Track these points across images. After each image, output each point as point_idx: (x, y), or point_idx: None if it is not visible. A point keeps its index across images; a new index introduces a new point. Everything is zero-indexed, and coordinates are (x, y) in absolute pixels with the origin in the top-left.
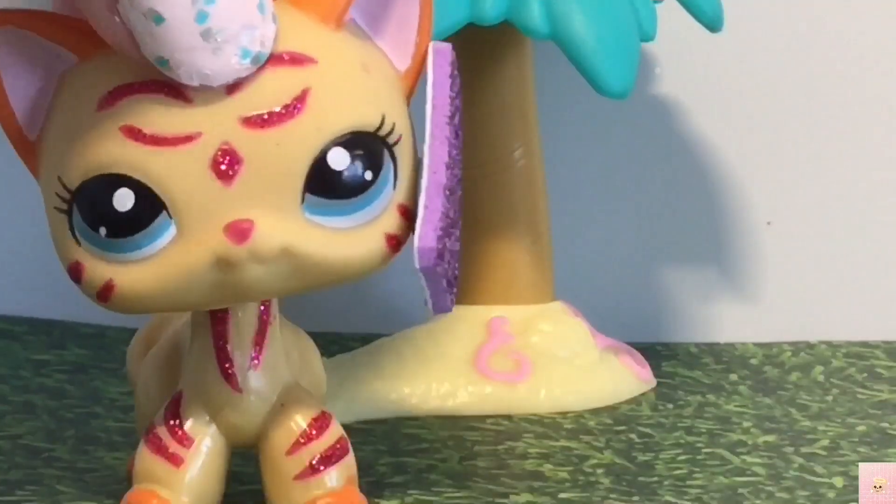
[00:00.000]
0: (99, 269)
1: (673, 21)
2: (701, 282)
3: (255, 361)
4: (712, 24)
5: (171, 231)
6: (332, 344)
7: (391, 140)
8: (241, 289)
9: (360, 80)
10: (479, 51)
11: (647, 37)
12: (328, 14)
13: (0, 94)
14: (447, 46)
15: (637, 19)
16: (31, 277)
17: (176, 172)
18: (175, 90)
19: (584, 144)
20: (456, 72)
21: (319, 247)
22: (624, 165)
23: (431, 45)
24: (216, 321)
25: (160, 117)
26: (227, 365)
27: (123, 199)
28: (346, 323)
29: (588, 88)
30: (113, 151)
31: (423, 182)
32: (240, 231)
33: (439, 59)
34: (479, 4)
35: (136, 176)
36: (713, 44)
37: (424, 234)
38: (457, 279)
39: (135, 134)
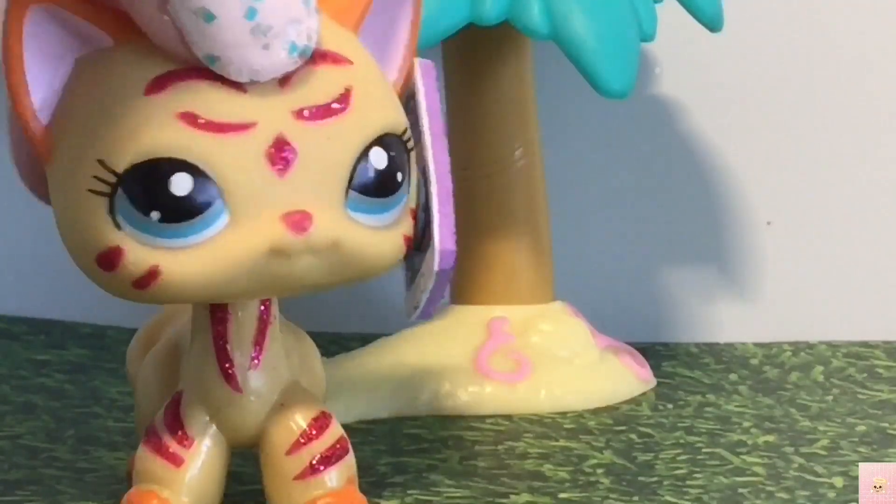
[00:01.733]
0: (143, 254)
1: (673, 21)
2: (701, 282)
3: (255, 361)
4: (712, 24)
5: (224, 218)
6: (332, 344)
7: (410, 146)
8: (289, 279)
9: (386, 85)
10: (479, 51)
11: (647, 37)
12: (347, 18)
13: (19, 74)
14: (431, 63)
15: (637, 19)
16: (31, 277)
17: (232, 160)
18: (227, 79)
19: (584, 144)
20: (437, 87)
21: (361, 243)
22: (624, 165)
23: (417, 60)
24: (216, 321)
25: (216, 105)
26: (227, 365)
27: (181, 184)
28: (346, 323)
29: (588, 88)
30: (168, 136)
31: (434, 188)
32: (298, 221)
33: (427, 76)
34: (479, 4)
35: (195, 161)
36: (713, 44)
37: (445, 238)
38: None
39: (191, 119)
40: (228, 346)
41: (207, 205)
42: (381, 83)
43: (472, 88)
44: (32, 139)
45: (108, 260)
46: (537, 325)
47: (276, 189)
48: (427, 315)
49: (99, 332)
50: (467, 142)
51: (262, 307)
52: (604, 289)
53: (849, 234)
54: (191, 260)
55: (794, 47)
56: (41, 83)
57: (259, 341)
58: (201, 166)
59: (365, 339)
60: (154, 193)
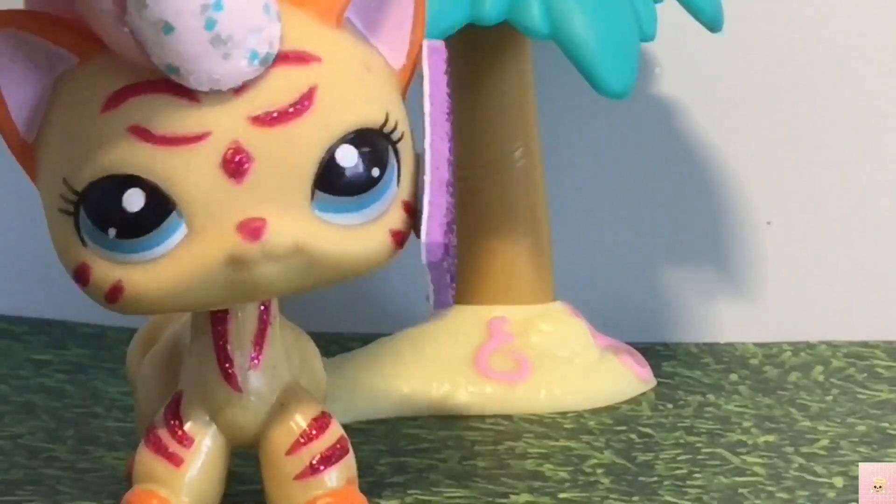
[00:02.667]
0: (107, 270)
1: (673, 21)
2: (701, 282)
3: (255, 361)
4: (712, 24)
5: (182, 231)
6: (332, 344)
7: (395, 137)
8: (253, 287)
9: (364, 78)
10: (479, 51)
11: (647, 37)
12: (328, 12)
13: None
14: (441, 44)
15: (637, 19)
16: (31, 277)
17: (186, 172)
18: (182, 90)
19: (584, 144)
20: (449, 69)
21: (330, 244)
22: (624, 165)
23: (426, 43)
24: (216, 321)
25: (168, 117)
26: (227, 365)
27: (133, 200)
28: (346, 323)
29: (588, 88)
30: (121, 152)
31: (427, 178)
32: (252, 229)
33: (434, 57)
34: (479, 4)
35: (146, 176)
36: (713, 44)
37: (431, 230)
38: (454, 275)
39: (143, 134)
40: (228, 346)
41: (162, 218)
42: (359, 77)
43: (472, 88)
44: (18, 157)
45: (82, 275)
46: (537, 325)
47: (233, 197)
48: (444, 304)
49: (99, 332)
50: (467, 142)
51: (262, 307)
52: (604, 289)
53: (849, 234)
54: (151, 274)
55: (794, 47)
56: (20, 103)
57: (259, 341)
58: (154, 181)
59: (365, 339)
60: (109, 210)
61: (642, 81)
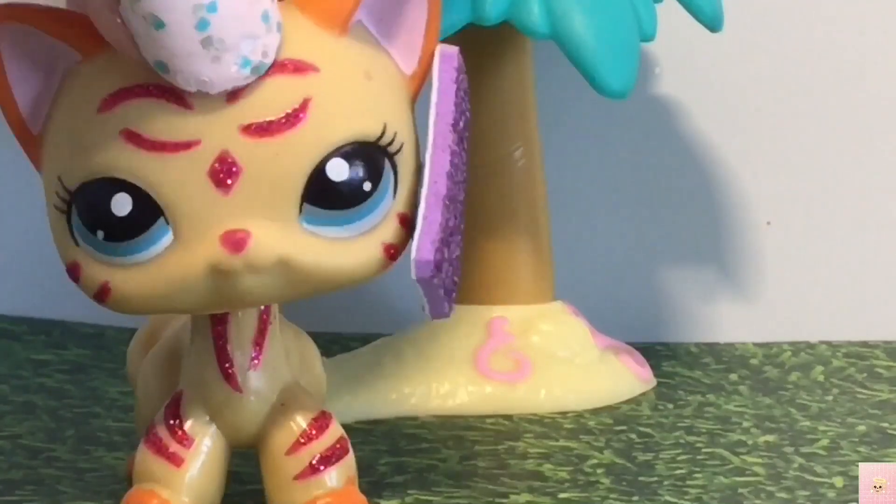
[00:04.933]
0: (96, 270)
1: (673, 21)
2: (701, 282)
3: (255, 361)
4: (712, 24)
5: (168, 237)
6: (332, 344)
7: (392, 149)
8: (236, 296)
9: (363, 89)
10: (479, 51)
11: (647, 37)
12: (333, 19)
13: (4, 87)
14: (454, 50)
15: (637, 19)
16: (31, 277)
17: (174, 179)
18: (177, 96)
19: (584, 144)
20: (463, 76)
21: (316, 257)
22: (624, 165)
23: (438, 48)
24: (216, 321)
25: (160, 123)
26: (227, 365)
27: (121, 204)
28: (346, 323)
29: (588, 88)
30: (112, 155)
31: (423, 192)
32: (235, 241)
33: (445, 64)
34: (479, 4)
35: (135, 181)
36: (713, 44)
37: (422, 247)
38: (457, 284)
39: (135, 139)
40: (228, 346)
41: (149, 224)
42: (358, 88)
43: (472, 88)
44: (25, 149)
45: (73, 272)
46: (537, 325)
47: (219, 207)
48: (440, 315)
49: (99, 332)
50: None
51: (262, 308)
52: (604, 289)
53: (849, 234)
54: (137, 277)
55: (795, 47)
56: (28, 95)
57: (259, 341)
58: (143, 186)
59: (365, 339)
60: (97, 213)
61: (642, 81)
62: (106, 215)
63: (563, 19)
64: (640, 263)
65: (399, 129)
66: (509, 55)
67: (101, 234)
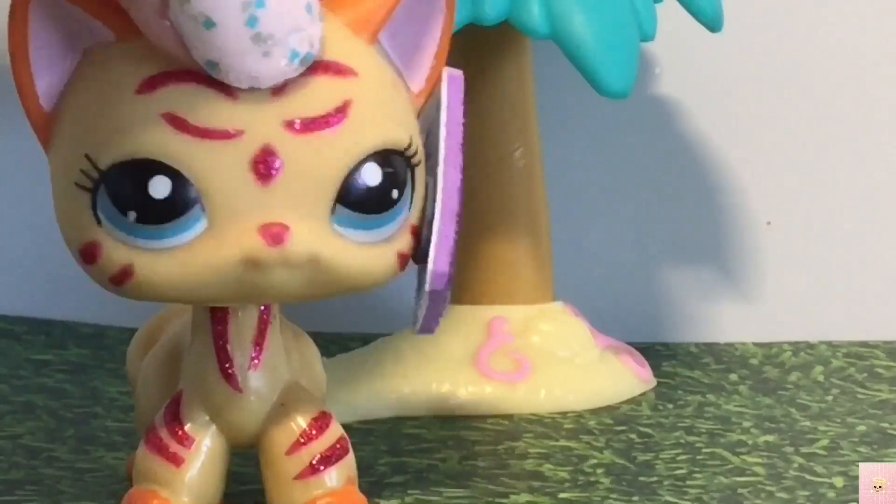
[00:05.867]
0: (119, 252)
1: (673, 21)
2: (701, 282)
3: (255, 361)
4: (712, 24)
5: (202, 225)
6: (332, 344)
7: (415, 161)
8: (262, 290)
9: (394, 98)
10: (479, 51)
11: (647, 37)
12: (363, 25)
13: (24, 60)
14: (460, 73)
15: (637, 19)
16: (31, 277)
17: (215, 167)
18: (221, 84)
19: (584, 144)
20: (465, 98)
21: (343, 258)
22: (624, 165)
23: (446, 70)
24: (216, 321)
25: (205, 109)
26: (227, 365)
27: (159, 187)
28: (346, 323)
29: (588, 88)
30: (153, 137)
31: (438, 207)
32: (274, 234)
33: (453, 86)
34: (479, 4)
35: (176, 165)
36: (713, 44)
37: (440, 260)
38: (447, 301)
39: (178, 122)
40: (228, 346)
41: (185, 209)
42: (389, 97)
43: (471, 88)
44: (34, 124)
45: (90, 253)
46: (537, 325)
47: (257, 199)
48: (427, 330)
49: (99, 332)
50: (467, 142)
51: (262, 307)
52: (604, 289)
53: (849, 234)
54: (164, 262)
55: (795, 47)
56: (46, 70)
57: (259, 341)
58: (182, 170)
59: (365, 339)
60: (132, 194)
61: (642, 81)
62: (141, 197)
63: (563, 19)
64: (639, 263)
65: (418, 143)
66: (509, 55)
67: (132, 215)
